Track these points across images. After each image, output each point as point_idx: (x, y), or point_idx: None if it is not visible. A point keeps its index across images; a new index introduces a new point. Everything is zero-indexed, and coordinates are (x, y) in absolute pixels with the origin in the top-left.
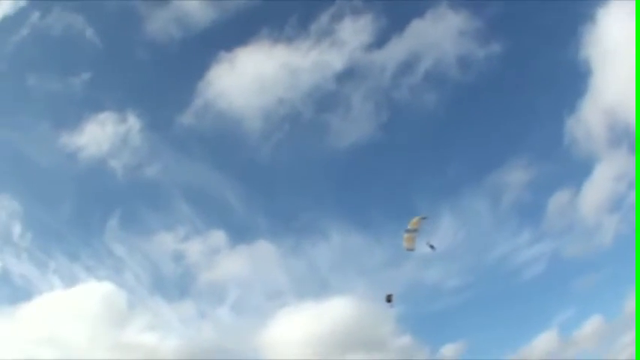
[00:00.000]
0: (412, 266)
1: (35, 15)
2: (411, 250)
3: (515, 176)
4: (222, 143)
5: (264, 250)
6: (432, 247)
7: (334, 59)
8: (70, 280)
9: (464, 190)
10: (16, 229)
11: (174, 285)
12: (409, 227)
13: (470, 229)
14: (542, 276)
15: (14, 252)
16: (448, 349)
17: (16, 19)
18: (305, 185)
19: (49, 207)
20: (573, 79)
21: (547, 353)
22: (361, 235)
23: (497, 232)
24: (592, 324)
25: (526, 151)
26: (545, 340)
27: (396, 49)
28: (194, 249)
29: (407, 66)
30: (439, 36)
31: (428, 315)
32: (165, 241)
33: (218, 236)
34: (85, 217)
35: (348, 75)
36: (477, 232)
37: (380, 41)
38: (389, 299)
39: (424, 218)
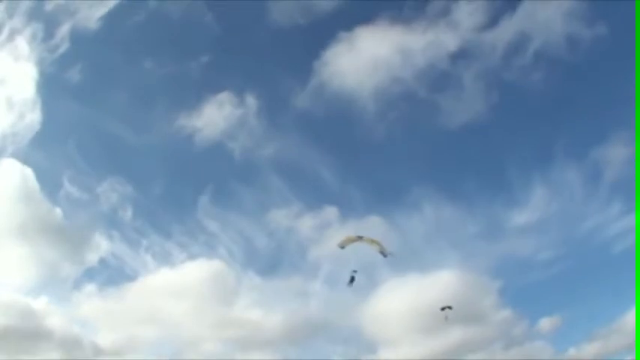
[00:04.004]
0: (504, 239)
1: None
2: (342, 247)
3: (614, 151)
4: (336, 124)
5: (373, 224)
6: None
7: (448, 39)
8: (180, 259)
9: (557, 162)
10: (127, 212)
11: (278, 261)
12: (355, 235)
13: (562, 202)
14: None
15: (124, 234)
16: (545, 322)
17: (134, 3)
18: (414, 165)
19: (160, 190)
20: None
21: None
22: (453, 207)
23: (589, 204)
24: None
25: (627, 128)
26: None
27: (507, 30)
28: (304, 226)
29: (517, 46)
30: (548, 16)
31: (524, 288)
32: (275, 219)
33: (330, 213)
34: (189, 197)
35: (461, 55)
36: (568, 205)
37: (492, 21)
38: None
39: (376, 244)
